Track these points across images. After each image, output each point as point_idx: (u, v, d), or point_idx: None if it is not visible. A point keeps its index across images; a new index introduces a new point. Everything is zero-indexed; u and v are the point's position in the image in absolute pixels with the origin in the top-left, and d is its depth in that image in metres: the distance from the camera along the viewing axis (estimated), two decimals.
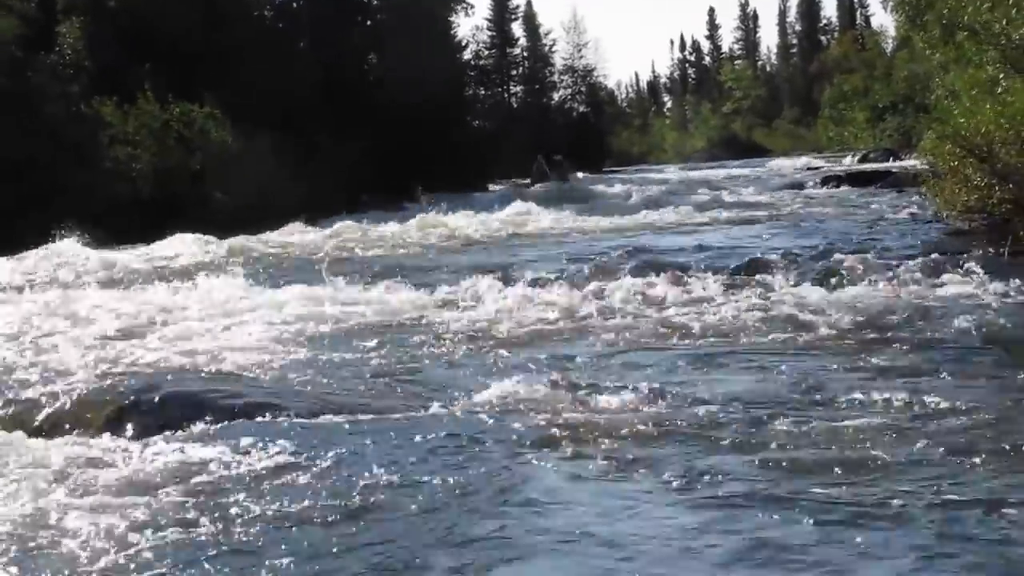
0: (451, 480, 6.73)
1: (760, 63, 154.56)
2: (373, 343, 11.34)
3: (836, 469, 6.84)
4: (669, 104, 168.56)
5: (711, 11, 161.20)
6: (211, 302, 14.14)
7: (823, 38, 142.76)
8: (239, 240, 24.65)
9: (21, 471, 7.01)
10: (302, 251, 23.02)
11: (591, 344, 10.86)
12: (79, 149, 37.31)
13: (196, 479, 6.87)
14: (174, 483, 6.79)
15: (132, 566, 5.58)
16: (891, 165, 50.93)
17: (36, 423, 8.16)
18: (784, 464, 6.91)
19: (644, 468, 6.89)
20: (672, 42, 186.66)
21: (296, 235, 27.78)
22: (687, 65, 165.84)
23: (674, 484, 6.65)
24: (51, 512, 6.28)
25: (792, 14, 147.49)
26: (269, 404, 8.51)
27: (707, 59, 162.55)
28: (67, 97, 40.13)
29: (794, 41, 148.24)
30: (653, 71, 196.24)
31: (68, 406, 8.54)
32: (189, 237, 25.21)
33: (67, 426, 8.15)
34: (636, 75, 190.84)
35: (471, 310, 13.24)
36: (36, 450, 7.49)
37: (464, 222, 29.55)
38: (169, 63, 43.22)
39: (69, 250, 24.02)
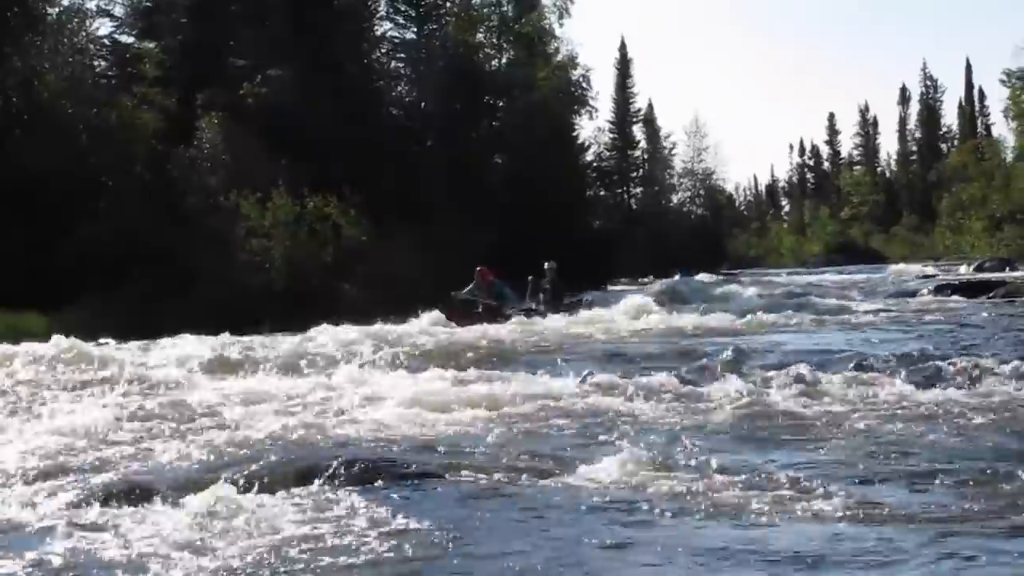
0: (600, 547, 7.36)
1: (879, 169, 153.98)
2: (526, 422, 12.06)
3: None
4: (787, 208, 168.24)
5: (831, 116, 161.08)
6: (369, 384, 14.92)
7: (943, 146, 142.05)
8: (379, 328, 25.36)
9: (259, 520, 8.03)
10: (438, 340, 23.67)
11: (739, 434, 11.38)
12: (217, 240, 38.53)
13: (377, 530, 7.67)
14: (359, 532, 7.59)
15: None
16: (1005, 275, 50.68)
17: (259, 482, 9.07)
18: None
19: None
20: (791, 146, 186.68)
21: (427, 324, 28.38)
22: (806, 169, 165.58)
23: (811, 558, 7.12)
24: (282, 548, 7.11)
25: (912, 121, 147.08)
26: (439, 470, 9.43)
27: (826, 164, 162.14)
28: (205, 189, 41.54)
29: (914, 148, 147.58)
30: (772, 174, 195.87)
31: (278, 468, 9.49)
32: (332, 328, 25.90)
33: (277, 485, 9.07)
34: (755, 178, 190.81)
35: (605, 395, 13.84)
36: (266, 505, 8.43)
37: (587, 317, 30.19)
38: (304, 158, 44.44)
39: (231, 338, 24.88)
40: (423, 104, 63.73)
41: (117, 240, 35.22)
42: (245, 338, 23.71)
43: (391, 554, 7.25)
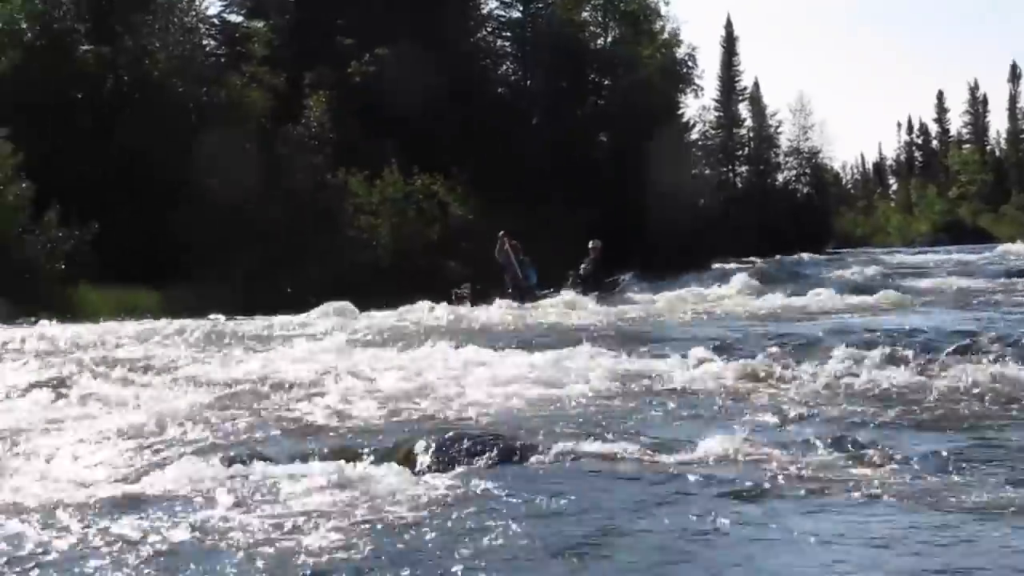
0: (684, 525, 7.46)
1: (988, 148, 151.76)
2: (631, 400, 12.14)
3: None
4: (894, 186, 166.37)
5: (940, 94, 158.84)
6: (470, 361, 15.07)
7: None
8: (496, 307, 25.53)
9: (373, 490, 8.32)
10: (537, 319, 23.76)
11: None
12: (324, 217, 38.93)
13: (467, 508, 7.82)
14: (454, 508, 7.74)
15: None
16: None
17: (363, 457, 9.26)
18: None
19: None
20: (899, 124, 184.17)
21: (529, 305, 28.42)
22: (914, 148, 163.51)
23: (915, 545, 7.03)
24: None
25: (1023, 99, 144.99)
26: (546, 446, 9.53)
27: (934, 142, 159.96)
28: (313, 167, 41.94)
29: None
30: (880, 153, 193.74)
31: (389, 441, 9.70)
32: (434, 304, 26.05)
33: (388, 458, 9.26)
34: (862, 156, 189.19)
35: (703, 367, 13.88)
36: (369, 478, 8.64)
37: (689, 297, 30.06)
38: (409, 137, 44.73)
39: (343, 310, 25.22)
40: (528, 83, 63.88)
41: (225, 217, 35.67)
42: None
43: (508, 528, 7.36)
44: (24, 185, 32.22)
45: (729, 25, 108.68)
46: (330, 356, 16.27)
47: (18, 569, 6.50)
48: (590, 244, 32.50)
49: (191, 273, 32.11)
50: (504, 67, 65.72)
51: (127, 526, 7.34)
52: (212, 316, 23.67)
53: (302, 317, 24.30)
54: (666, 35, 73.89)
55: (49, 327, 20.90)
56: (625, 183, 57.16)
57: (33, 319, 22.23)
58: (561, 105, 60.19)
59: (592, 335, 18.37)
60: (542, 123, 59.69)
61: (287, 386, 13.21)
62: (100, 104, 39.03)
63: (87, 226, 32.52)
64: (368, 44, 49.80)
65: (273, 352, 17.11)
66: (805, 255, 74.16)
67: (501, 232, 31.53)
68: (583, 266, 32.10)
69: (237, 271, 33.25)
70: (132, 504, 7.94)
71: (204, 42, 49.79)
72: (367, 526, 7.43)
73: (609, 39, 70.41)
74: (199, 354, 16.96)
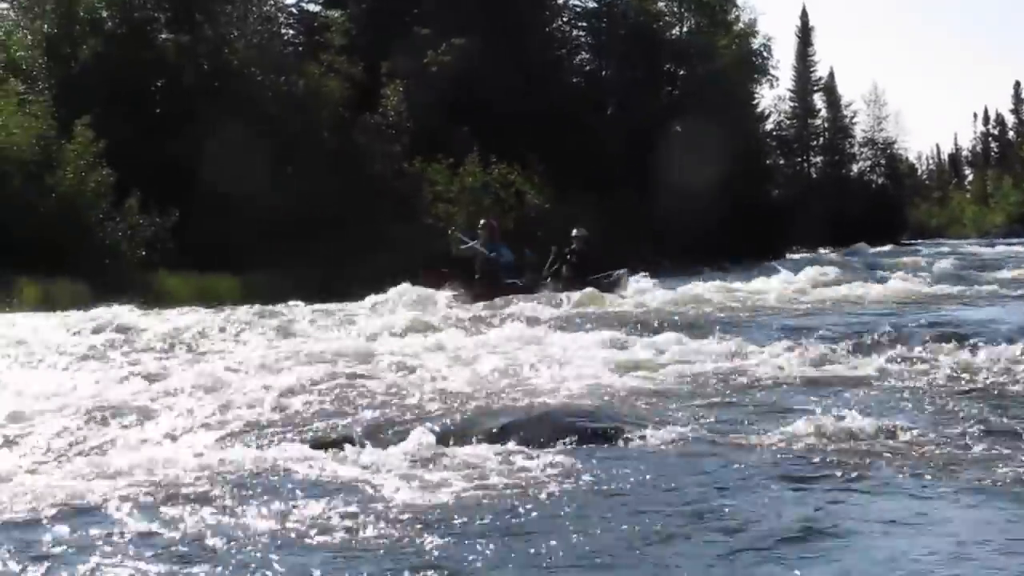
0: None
1: None
2: (712, 385, 12.22)
3: None
4: (970, 177, 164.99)
5: (1016, 85, 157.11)
6: (549, 345, 15.17)
7: None
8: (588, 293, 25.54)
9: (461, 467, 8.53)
10: (620, 306, 23.80)
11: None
12: (401, 205, 39.15)
13: (575, 483, 7.95)
14: (549, 487, 7.87)
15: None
16: None
17: (456, 435, 9.47)
18: None
19: None
20: (975, 115, 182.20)
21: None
22: (990, 139, 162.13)
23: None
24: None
25: None
26: (631, 428, 9.70)
27: (1011, 133, 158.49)
28: (390, 156, 42.18)
29: None
30: (955, 144, 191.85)
31: (475, 420, 9.86)
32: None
33: (473, 437, 9.44)
34: (937, 147, 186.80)
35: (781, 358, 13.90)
36: (466, 455, 8.84)
37: (763, 286, 29.86)
38: (486, 125, 44.90)
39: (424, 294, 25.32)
40: (604, 72, 63.90)
41: (302, 205, 35.91)
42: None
43: (596, 507, 7.48)
44: (105, 172, 32.62)
45: (804, 15, 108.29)
46: (417, 339, 16.43)
47: (133, 549, 6.68)
48: (574, 232, 28.75)
49: (269, 260, 32.34)
50: (580, 57, 65.77)
51: (224, 510, 7.51)
52: (291, 302, 23.88)
53: (382, 301, 24.45)
54: (742, 25, 73.74)
55: (128, 312, 21.10)
56: (699, 173, 57.01)
57: (112, 303, 22.43)
58: (636, 95, 60.20)
59: (670, 321, 18.47)
60: (617, 113, 59.70)
61: (376, 368, 13.36)
62: (179, 92, 39.36)
63: (167, 213, 32.89)
64: (445, 34, 49.92)
65: (357, 335, 17.30)
66: (882, 247, 73.79)
67: (482, 221, 28.36)
68: (568, 257, 28.11)
69: (315, 258, 33.46)
70: (229, 488, 8.10)
71: (282, 31, 50.22)
72: (462, 504, 7.59)
73: (684, 29, 70.38)
74: (281, 339, 17.13)
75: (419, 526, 7.04)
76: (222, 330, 18.14)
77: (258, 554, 6.56)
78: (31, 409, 10.88)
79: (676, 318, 19.45)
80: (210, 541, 6.80)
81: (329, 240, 34.92)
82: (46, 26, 40.11)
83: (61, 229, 30.15)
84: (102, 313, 20.57)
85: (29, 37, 40.75)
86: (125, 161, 33.10)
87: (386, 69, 46.23)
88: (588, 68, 65.21)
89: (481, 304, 22.96)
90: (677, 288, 28.11)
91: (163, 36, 41.44)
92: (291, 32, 53.11)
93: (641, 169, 54.71)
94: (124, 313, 20.83)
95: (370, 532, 6.95)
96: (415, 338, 16.57)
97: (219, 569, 6.32)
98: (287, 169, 37.34)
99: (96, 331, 18.22)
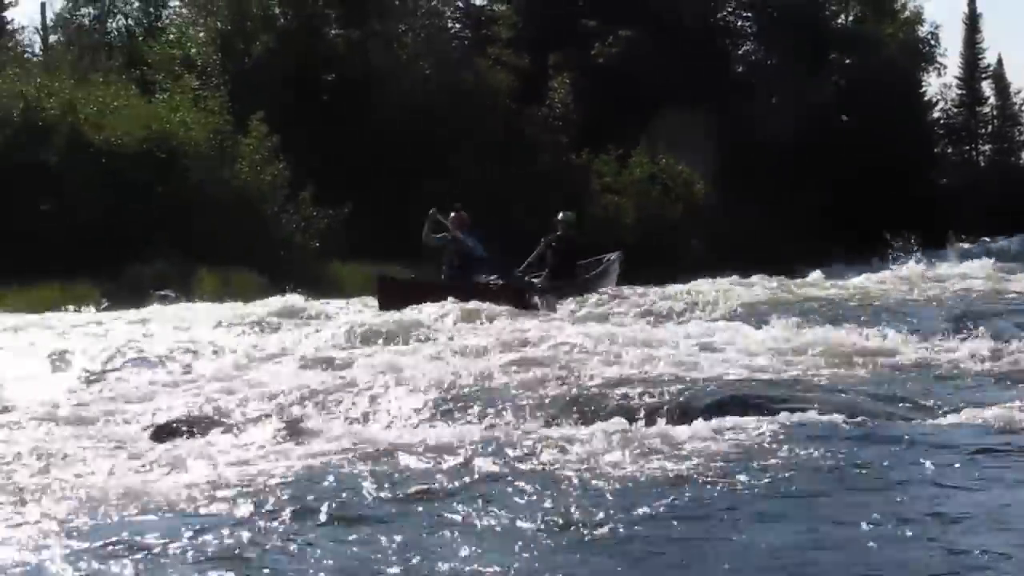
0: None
1: None
2: (872, 370, 12.15)
3: None
4: None
5: None
6: (720, 332, 15.11)
7: None
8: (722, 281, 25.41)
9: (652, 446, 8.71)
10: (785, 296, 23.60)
11: None
12: (569, 197, 39.22)
13: (759, 460, 8.04)
14: (734, 464, 7.97)
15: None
16: None
17: (643, 415, 9.55)
18: None
19: None
20: None
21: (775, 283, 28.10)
22: None
23: None
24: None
25: None
26: (808, 408, 9.80)
27: None
28: (557, 148, 42.34)
29: None
30: None
31: (665, 401, 10.11)
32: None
33: (662, 417, 9.67)
34: None
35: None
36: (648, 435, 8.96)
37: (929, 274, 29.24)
38: (651, 117, 44.86)
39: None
40: (769, 62, 63.39)
41: (472, 196, 36.09)
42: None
43: (780, 482, 7.57)
44: (281, 166, 33.18)
45: (972, 2, 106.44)
46: (596, 325, 16.49)
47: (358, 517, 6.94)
48: (559, 216, 24.49)
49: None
50: (743, 47, 65.41)
51: (430, 485, 7.79)
52: None
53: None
54: (908, 13, 72.71)
55: (304, 300, 21.40)
56: (866, 163, 56.33)
57: (284, 292, 22.78)
58: (800, 85, 59.58)
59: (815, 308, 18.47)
60: (781, 102, 59.15)
61: (564, 352, 13.41)
62: (350, 86, 39.82)
63: (340, 205, 33.33)
64: (611, 25, 49.94)
65: (538, 321, 17.36)
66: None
67: (453, 214, 23.13)
68: (553, 244, 23.95)
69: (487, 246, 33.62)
70: (429, 463, 8.37)
71: (450, 25, 50.63)
72: (650, 480, 7.79)
73: (850, 17, 69.60)
74: (466, 324, 17.22)
75: (631, 501, 7.19)
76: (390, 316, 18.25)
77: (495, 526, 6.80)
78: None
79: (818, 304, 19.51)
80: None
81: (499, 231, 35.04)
82: (219, 23, 40.89)
83: (237, 221, 30.75)
84: (277, 301, 20.99)
85: (202, 34, 41.61)
86: (298, 155, 33.62)
87: (553, 61, 46.40)
88: (753, 58, 64.76)
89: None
90: (854, 278, 27.87)
91: (333, 31, 42.02)
92: (458, 26, 53.51)
93: (807, 159, 54.18)
94: (293, 299, 21.21)
95: (585, 506, 7.12)
96: (596, 325, 16.61)
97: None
98: (456, 161, 37.61)
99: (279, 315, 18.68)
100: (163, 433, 9.29)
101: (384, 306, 19.74)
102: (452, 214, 23.09)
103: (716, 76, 54.65)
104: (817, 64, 62.02)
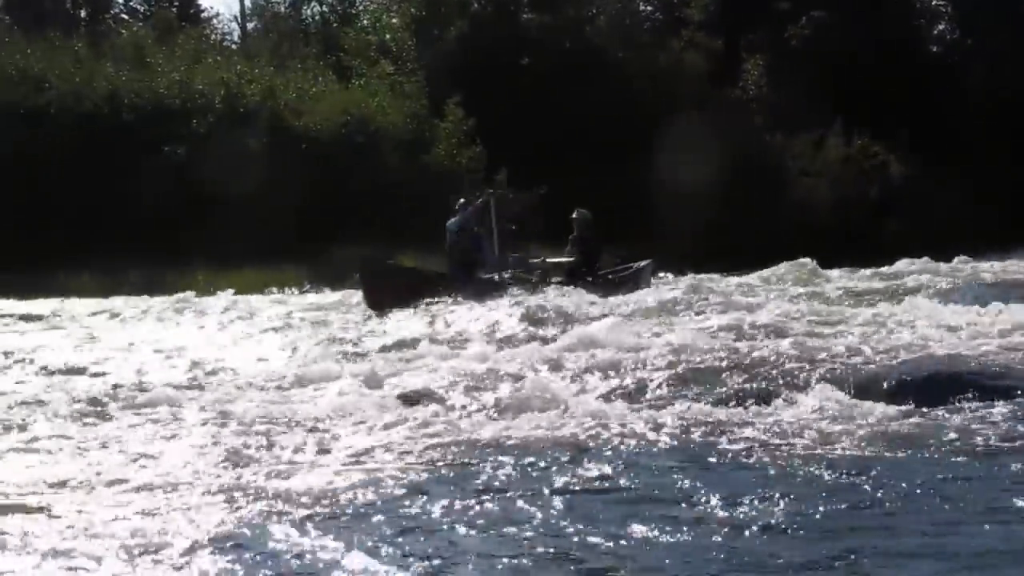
0: None
1: None
2: None
3: None
4: None
5: None
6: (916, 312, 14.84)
7: None
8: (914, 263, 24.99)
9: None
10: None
11: None
12: (764, 178, 39.01)
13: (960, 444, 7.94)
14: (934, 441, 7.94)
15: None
16: None
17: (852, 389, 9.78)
18: None
19: None
20: None
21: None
22: None
23: None
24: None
25: None
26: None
27: None
28: (751, 129, 42.03)
29: None
30: None
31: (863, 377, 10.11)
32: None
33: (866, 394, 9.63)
34: None
35: None
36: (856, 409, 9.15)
37: None
38: (849, 98, 44.25)
39: (805, 267, 24.99)
40: (969, 41, 62.04)
41: (666, 177, 35.94)
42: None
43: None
44: (477, 149, 33.42)
45: None
46: (801, 306, 16.36)
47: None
48: (574, 215, 22.89)
49: (648, 232, 32.45)
50: (940, 27, 64.06)
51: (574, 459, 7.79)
52: (661, 274, 24.13)
53: (763, 273, 24.45)
54: None
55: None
56: None
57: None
58: (1002, 64, 58.16)
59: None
60: (980, 83, 57.83)
61: (769, 333, 13.28)
62: (544, 70, 39.93)
63: (535, 188, 33.44)
64: (804, 7, 49.36)
65: (740, 304, 17.23)
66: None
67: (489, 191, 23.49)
68: (567, 247, 22.98)
69: (681, 229, 33.58)
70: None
71: (641, 8, 50.52)
72: (854, 451, 7.83)
73: None
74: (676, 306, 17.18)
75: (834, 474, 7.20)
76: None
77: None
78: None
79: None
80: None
81: (698, 212, 34.89)
82: (413, 8, 41.33)
83: (434, 205, 31.01)
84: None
85: (396, 20, 42.09)
86: (492, 138, 33.82)
87: (745, 44, 46.08)
88: (951, 38, 63.38)
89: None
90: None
91: (526, 15, 42.19)
92: (649, 8, 53.32)
93: (1007, 141, 52.86)
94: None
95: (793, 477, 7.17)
96: (793, 304, 16.51)
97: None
98: (648, 144, 37.55)
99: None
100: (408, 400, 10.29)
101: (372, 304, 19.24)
102: (461, 200, 22.46)
103: (910, 57, 53.60)
104: (1019, 43, 60.56)
